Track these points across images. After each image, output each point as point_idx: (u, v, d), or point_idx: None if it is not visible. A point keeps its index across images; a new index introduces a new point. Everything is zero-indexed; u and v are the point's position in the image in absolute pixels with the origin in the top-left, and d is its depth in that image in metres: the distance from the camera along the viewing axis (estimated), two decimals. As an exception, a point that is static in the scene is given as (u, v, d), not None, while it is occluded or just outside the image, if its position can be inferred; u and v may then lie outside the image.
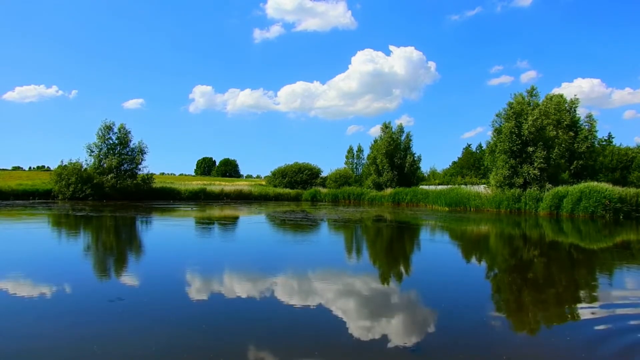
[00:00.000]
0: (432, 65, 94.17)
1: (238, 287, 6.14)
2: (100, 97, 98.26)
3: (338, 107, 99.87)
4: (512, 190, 26.23)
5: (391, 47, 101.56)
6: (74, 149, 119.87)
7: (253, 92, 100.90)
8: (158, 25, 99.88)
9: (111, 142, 38.22)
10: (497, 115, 28.33)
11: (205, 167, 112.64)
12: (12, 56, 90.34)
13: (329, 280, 6.85)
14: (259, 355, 3.72)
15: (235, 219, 20.36)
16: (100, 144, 37.82)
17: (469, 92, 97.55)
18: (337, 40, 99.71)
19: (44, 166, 77.05)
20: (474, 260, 9.62)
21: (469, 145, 56.97)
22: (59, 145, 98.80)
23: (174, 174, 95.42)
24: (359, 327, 4.46)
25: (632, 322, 4.84)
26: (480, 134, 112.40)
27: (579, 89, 77.55)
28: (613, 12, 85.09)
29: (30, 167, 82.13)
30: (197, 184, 50.00)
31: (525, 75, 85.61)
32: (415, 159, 44.00)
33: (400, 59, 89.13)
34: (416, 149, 41.52)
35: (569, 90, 72.30)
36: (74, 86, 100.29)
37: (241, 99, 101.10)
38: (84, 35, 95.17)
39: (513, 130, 26.23)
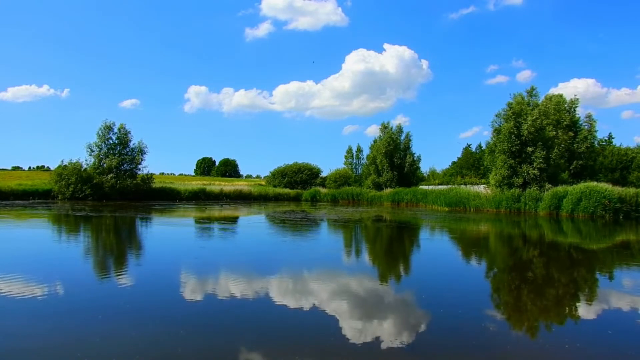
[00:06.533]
0: (424, 63, 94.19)
1: (236, 287, 6.12)
2: (94, 96, 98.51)
3: (333, 107, 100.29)
4: (511, 190, 26.23)
5: (384, 45, 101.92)
6: (74, 148, 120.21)
7: (247, 92, 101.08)
8: (149, 24, 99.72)
9: (111, 142, 38.22)
10: (496, 116, 28.37)
11: (205, 167, 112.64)
12: (2, 56, 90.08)
13: (328, 281, 6.84)
14: (258, 356, 3.70)
15: (234, 219, 20.34)
16: (100, 143, 37.82)
17: (464, 92, 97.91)
18: (329, 38, 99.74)
19: (43, 166, 77.13)
20: (473, 260, 9.60)
21: (469, 145, 57.07)
22: (59, 145, 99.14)
23: (174, 174, 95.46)
24: (360, 328, 4.45)
25: (632, 322, 4.82)
26: (477, 134, 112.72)
27: (575, 90, 77.72)
28: (606, 11, 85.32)
29: (30, 167, 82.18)
30: (197, 184, 49.98)
31: (521, 75, 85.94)
32: (415, 159, 44.01)
33: (392, 58, 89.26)
34: (413, 148, 41.61)
35: (565, 90, 72.51)
36: (65, 84, 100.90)
37: (236, 98, 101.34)
38: (74, 33, 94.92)
39: (512, 130, 26.24)
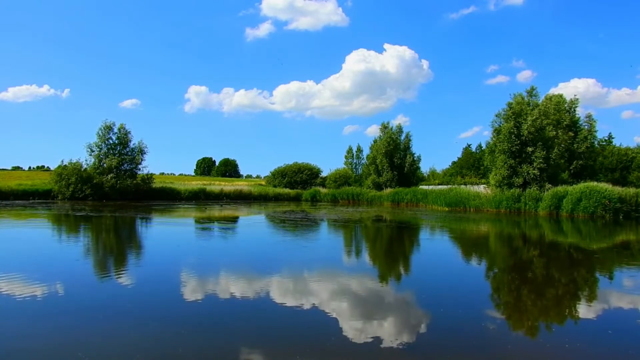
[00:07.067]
0: (424, 63, 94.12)
1: (237, 287, 6.12)
2: (95, 96, 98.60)
3: (334, 107, 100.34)
4: (511, 190, 26.22)
5: (384, 45, 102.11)
6: (74, 148, 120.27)
7: (248, 92, 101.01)
8: (149, 24, 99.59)
9: (111, 142, 38.22)
10: (496, 116, 28.34)
11: (205, 167, 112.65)
12: (2, 56, 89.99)
13: (328, 281, 6.84)
14: (259, 356, 3.70)
15: (234, 219, 20.35)
16: (100, 143, 37.82)
17: (465, 92, 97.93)
18: (330, 38, 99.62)
19: (43, 166, 77.13)
20: (473, 260, 9.61)
21: (469, 145, 57.08)
22: (59, 145, 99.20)
23: (174, 174, 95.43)
24: (360, 328, 4.45)
25: (632, 322, 4.83)
26: (477, 134, 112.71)
27: (575, 90, 77.78)
28: (606, 11, 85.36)
29: (30, 167, 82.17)
30: (197, 184, 49.97)
31: (521, 75, 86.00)
32: (415, 159, 44.01)
33: (392, 58, 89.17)
34: (413, 148, 41.72)
35: (565, 90, 72.55)
36: (65, 85, 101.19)
37: (237, 98, 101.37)
38: (74, 33, 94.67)
39: (512, 130, 26.24)
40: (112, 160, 36.69)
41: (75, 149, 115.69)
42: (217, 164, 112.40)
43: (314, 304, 5.31)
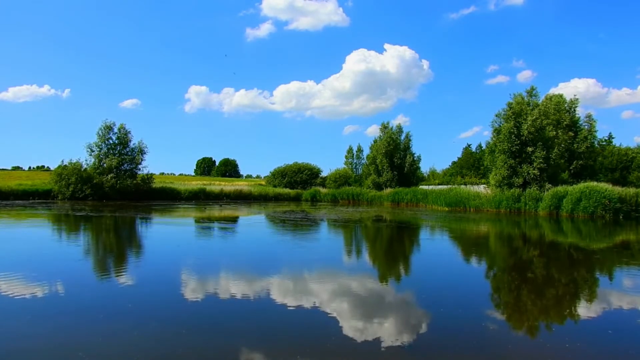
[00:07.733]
0: (425, 63, 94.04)
1: (237, 287, 6.12)
2: (95, 96, 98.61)
3: (334, 107, 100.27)
4: (511, 190, 26.22)
5: (385, 45, 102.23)
6: (74, 148, 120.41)
7: (248, 92, 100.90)
8: (149, 24, 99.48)
9: (111, 142, 38.20)
10: (496, 116, 28.34)
11: (205, 167, 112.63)
12: (2, 56, 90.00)
13: (329, 281, 6.84)
14: (259, 356, 3.71)
15: (234, 219, 20.34)
16: (100, 143, 37.80)
17: (465, 92, 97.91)
18: (330, 38, 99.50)
19: (43, 166, 77.12)
20: (473, 260, 9.61)
21: (469, 145, 57.08)
22: (59, 145, 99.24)
23: (174, 174, 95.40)
24: (360, 328, 4.45)
25: (632, 322, 4.83)
26: (477, 134, 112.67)
27: (575, 90, 77.70)
28: (606, 11, 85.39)
29: (30, 167, 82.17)
30: (197, 184, 49.95)
31: (521, 75, 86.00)
32: (415, 159, 44.01)
33: (393, 58, 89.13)
34: (413, 148, 41.83)
35: (566, 90, 72.47)
36: (65, 84, 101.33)
37: (237, 98, 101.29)
38: (74, 33, 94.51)
39: (512, 130, 26.24)
40: (112, 160, 36.67)
41: (75, 149, 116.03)
42: (217, 164, 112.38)
43: (314, 304, 5.31)
